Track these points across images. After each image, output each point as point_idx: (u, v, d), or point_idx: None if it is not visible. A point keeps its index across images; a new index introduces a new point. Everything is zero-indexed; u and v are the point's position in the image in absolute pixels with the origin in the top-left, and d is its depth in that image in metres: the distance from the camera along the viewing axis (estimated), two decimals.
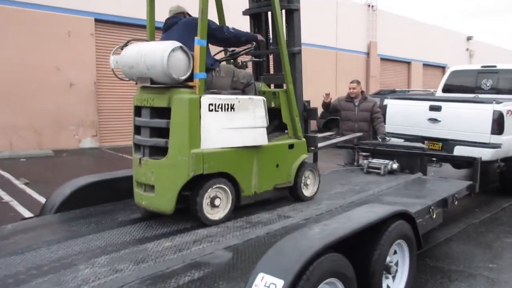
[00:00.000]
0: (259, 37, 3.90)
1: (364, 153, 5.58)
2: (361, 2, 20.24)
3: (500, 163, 6.29)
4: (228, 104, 3.24)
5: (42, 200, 5.49)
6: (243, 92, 3.66)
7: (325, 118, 10.78)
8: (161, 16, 3.68)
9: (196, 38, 3.07)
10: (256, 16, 4.27)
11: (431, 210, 3.77)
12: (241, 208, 3.49)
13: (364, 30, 20.14)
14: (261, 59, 4.33)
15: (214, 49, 3.75)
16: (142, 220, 3.31)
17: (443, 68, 24.44)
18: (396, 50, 21.50)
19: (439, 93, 8.61)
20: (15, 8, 10.32)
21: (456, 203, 4.33)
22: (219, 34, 3.45)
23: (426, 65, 23.91)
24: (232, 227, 3.19)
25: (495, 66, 7.93)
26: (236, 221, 3.32)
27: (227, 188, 3.31)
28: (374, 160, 5.36)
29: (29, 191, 6.68)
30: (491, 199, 6.64)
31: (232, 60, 3.96)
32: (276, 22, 3.69)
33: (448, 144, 6.36)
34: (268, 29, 4.30)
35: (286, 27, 4.01)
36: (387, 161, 5.26)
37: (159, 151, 3.19)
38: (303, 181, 3.94)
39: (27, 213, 5.36)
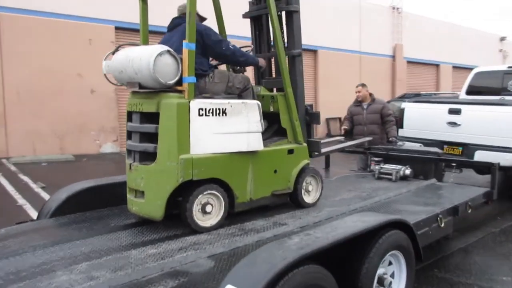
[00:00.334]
0: (261, 61, 3.80)
1: (376, 158, 5.38)
2: (386, 4, 19.86)
3: None
4: (219, 109, 3.16)
5: None
6: (240, 97, 3.57)
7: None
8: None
9: (184, 42, 3.03)
10: (257, 19, 4.20)
11: (438, 218, 3.58)
12: (237, 215, 3.39)
13: (389, 33, 19.75)
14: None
15: None
16: (134, 226, 3.27)
17: None
18: (423, 52, 20.97)
19: (462, 96, 8.27)
20: (39, 18, 10.68)
21: (469, 211, 4.10)
22: (217, 49, 3.38)
23: (456, 68, 23.16)
24: (223, 234, 3.10)
25: None
26: (229, 228, 3.22)
27: (219, 195, 3.21)
28: (386, 166, 5.16)
29: (43, 194, 6.81)
30: None
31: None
32: (272, 24, 3.60)
33: (468, 148, 6.05)
34: (268, 31, 4.21)
35: (286, 30, 3.91)
36: (399, 166, 5.05)
37: (149, 157, 3.14)
38: (304, 187, 3.81)
39: None
